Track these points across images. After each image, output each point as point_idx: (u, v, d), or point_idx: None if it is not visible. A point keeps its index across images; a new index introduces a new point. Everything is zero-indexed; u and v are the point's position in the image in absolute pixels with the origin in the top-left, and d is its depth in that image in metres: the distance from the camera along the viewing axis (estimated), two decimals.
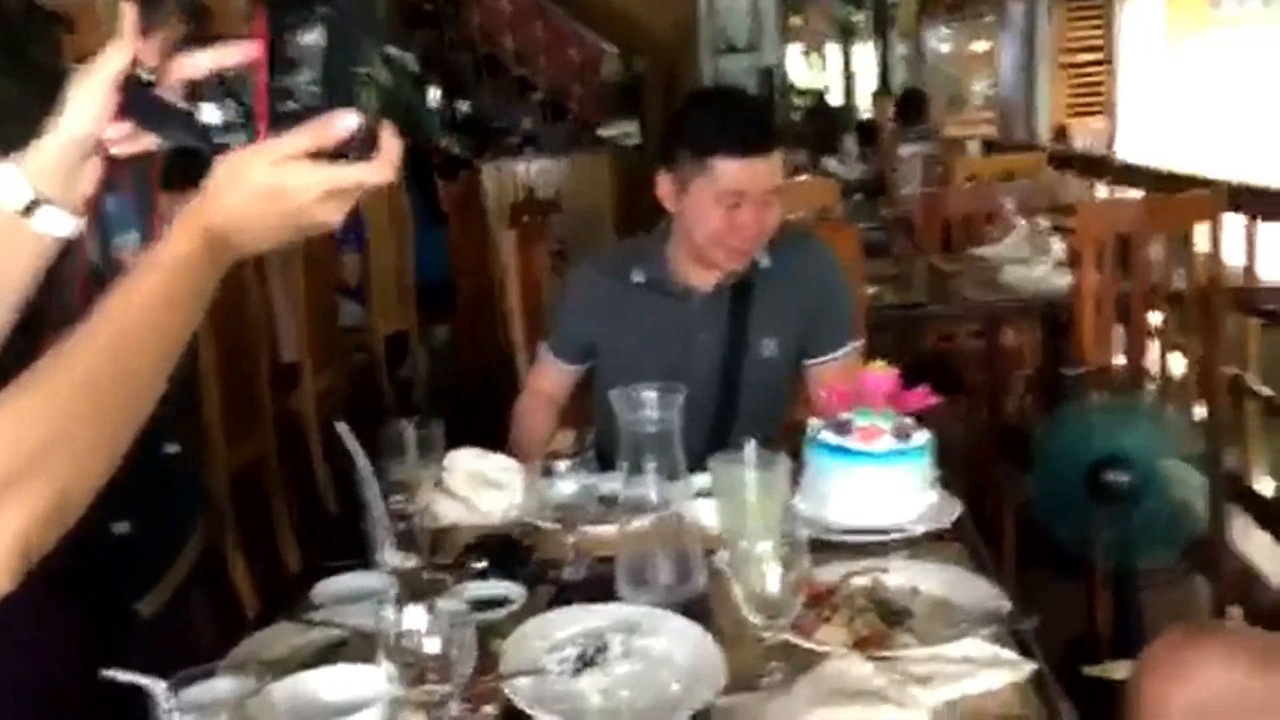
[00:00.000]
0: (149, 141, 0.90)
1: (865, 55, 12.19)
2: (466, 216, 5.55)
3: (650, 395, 1.35)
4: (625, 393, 1.36)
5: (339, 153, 0.82)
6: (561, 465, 1.49)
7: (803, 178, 5.55)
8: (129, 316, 0.81)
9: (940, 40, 9.98)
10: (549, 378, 2.11)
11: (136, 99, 0.88)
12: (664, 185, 1.93)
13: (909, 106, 7.11)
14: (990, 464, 3.35)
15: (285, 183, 0.81)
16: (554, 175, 7.83)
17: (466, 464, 1.68)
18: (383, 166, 0.84)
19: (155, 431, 1.67)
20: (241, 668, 1.07)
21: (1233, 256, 2.92)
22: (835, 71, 12.91)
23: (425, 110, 9.98)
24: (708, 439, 1.75)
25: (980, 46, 10.05)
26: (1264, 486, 3.29)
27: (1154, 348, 3.08)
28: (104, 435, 0.80)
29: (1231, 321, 3.21)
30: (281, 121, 0.81)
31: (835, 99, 12.36)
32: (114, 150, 0.90)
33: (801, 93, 12.13)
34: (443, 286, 5.26)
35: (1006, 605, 1.24)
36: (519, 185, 7.63)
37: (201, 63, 0.85)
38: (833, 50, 12.97)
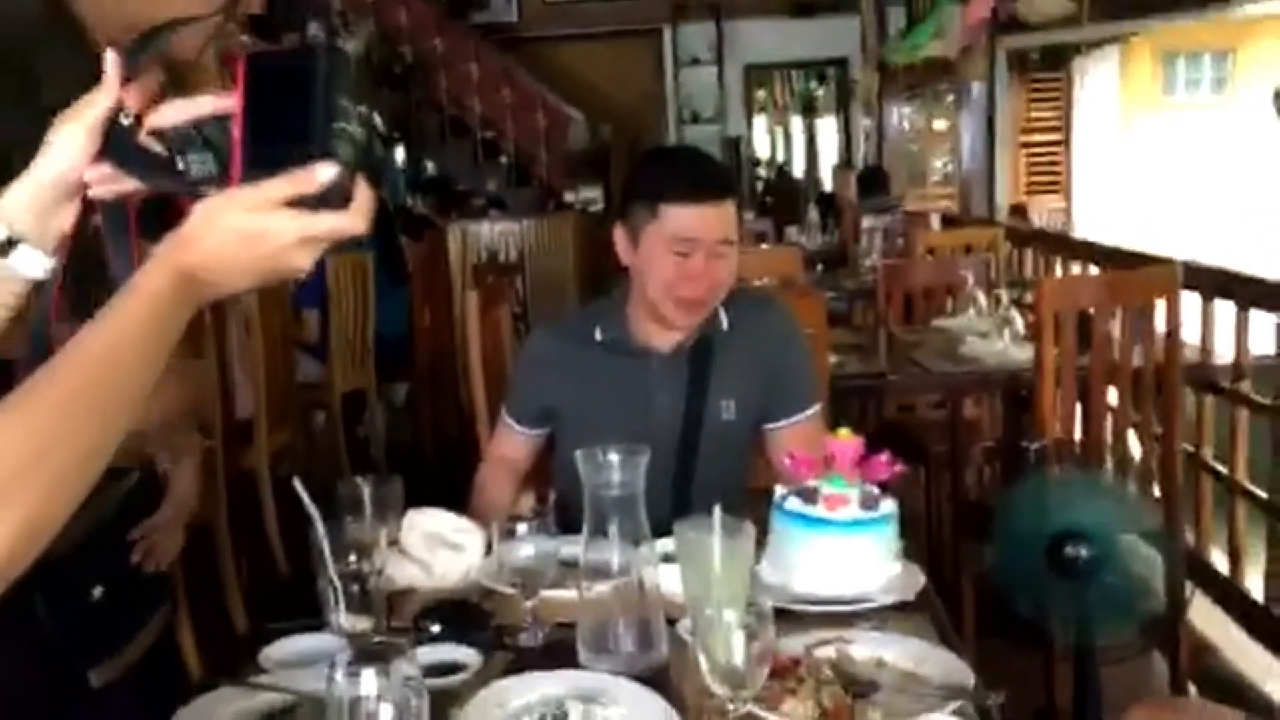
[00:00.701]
0: (128, 185, 0.91)
1: (828, 129, 12.41)
2: (429, 276, 5.54)
3: (614, 457, 1.33)
4: (590, 454, 1.34)
5: (315, 202, 0.84)
6: (521, 528, 1.45)
7: (765, 246, 5.60)
8: (103, 349, 0.82)
9: (901, 116, 10.17)
10: (509, 444, 2.09)
11: (118, 143, 0.89)
12: (619, 239, 1.93)
13: (870, 181, 7.21)
14: (950, 534, 3.35)
15: (263, 227, 0.83)
16: (518, 238, 7.85)
17: (424, 524, 1.65)
18: (356, 217, 0.85)
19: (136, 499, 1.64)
20: None
21: (1187, 334, 2.96)
22: (798, 144, 13.13)
23: (391, 170, 10.02)
24: (670, 501, 1.73)
25: (940, 124, 10.25)
26: (1220, 563, 3.30)
27: (1112, 422, 3.11)
28: (75, 465, 0.80)
29: (1189, 398, 3.25)
30: (255, 172, 0.83)
31: (798, 171, 12.55)
32: (92, 193, 0.91)
33: (765, 164, 12.31)
34: (401, 345, 5.23)
35: (972, 679, 1.22)
36: (482, 247, 7.64)
37: (181, 111, 0.87)
38: (796, 123, 13.20)
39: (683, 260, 1.83)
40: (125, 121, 0.89)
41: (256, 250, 0.84)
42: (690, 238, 1.83)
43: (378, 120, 9.70)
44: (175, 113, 0.87)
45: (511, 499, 1.96)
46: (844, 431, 1.53)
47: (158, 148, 0.88)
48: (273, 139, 0.83)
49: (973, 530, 3.17)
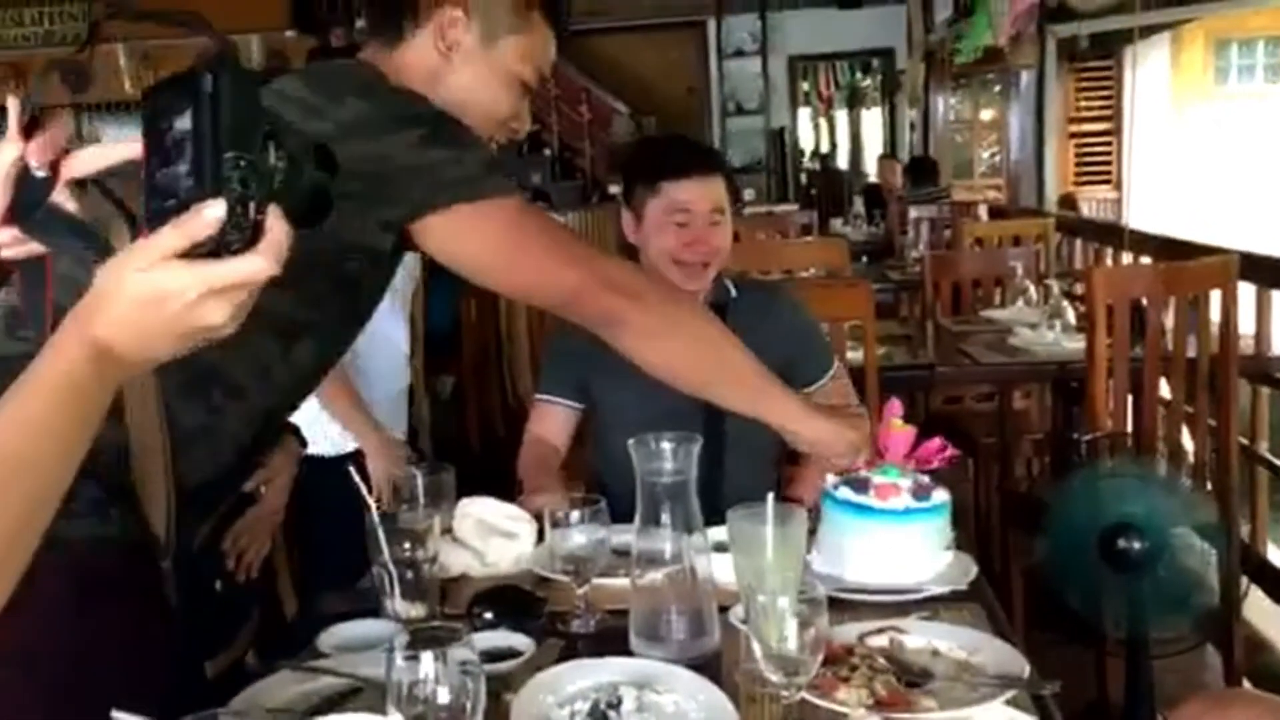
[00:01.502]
0: (39, 245, 0.85)
1: (873, 121, 12.32)
2: None
3: (666, 445, 1.34)
4: (642, 441, 1.35)
5: (211, 249, 0.74)
6: (574, 515, 1.47)
7: (809, 238, 5.57)
8: (14, 438, 0.75)
9: (948, 107, 10.07)
10: (547, 423, 2.19)
11: (27, 198, 0.83)
12: (626, 221, 2.14)
13: (918, 171, 7.16)
14: (999, 527, 3.32)
15: (159, 287, 0.75)
16: None
17: (477, 512, 1.66)
18: (266, 257, 0.76)
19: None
20: (245, 714, 1.05)
21: (1242, 325, 2.91)
22: (843, 136, 13.05)
23: None
24: (702, 473, 1.74)
25: (987, 114, 10.15)
26: (1275, 558, 3.25)
27: (1166, 415, 3.07)
28: None
29: (1243, 390, 3.21)
30: (160, 219, 0.74)
31: (843, 163, 12.47)
32: (4, 253, 0.86)
33: (810, 155, 12.25)
34: (449, 338, 5.26)
35: (1027, 669, 1.22)
36: None
37: (96, 160, 0.81)
38: (841, 115, 13.11)
39: (682, 229, 2.05)
40: (38, 174, 0.81)
41: (161, 313, 0.75)
42: (686, 208, 2.05)
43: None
44: (90, 161, 0.80)
45: (556, 480, 2.04)
46: (897, 423, 1.53)
47: (68, 202, 0.80)
48: (169, 181, 0.74)
49: (1022, 522, 3.14)
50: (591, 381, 2.14)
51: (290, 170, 0.79)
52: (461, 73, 1.46)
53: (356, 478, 1.50)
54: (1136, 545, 2.30)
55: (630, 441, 1.35)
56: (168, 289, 0.74)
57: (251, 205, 0.74)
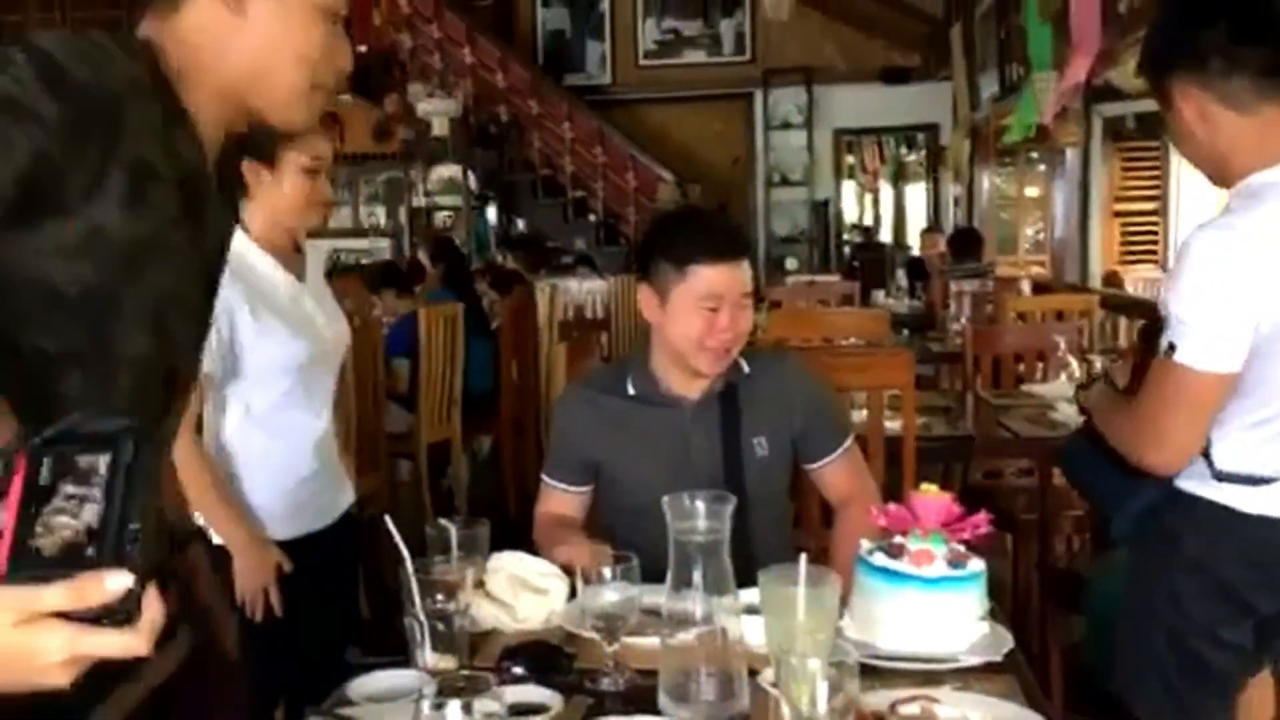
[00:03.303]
0: None
1: (917, 195, 12.36)
2: (517, 331, 5.62)
3: (700, 504, 1.34)
4: (676, 500, 1.35)
5: (95, 616, 0.72)
6: (606, 573, 1.47)
7: (850, 308, 5.58)
8: None
9: (992, 183, 10.10)
10: (557, 506, 2.11)
11: None
12: (645, 297, 2.05)
13: (962, 244, 7.15)
14: (1039, 605, 3.26)
15: (30, 645, 0.72)
16: (605, 295, 7.93)
17: (510, 567, 1.67)
18: (141, 637, 0.74)
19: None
20: None
21: None
22: (887, 209, 13.09)
23: (478, 227, 10.21)
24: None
25: (1032, 191, 10.14)
26: None
27: None
28: None
29: None
30: (26, 574, 0.71)
31: (886, 235, 12.50)
32: None
33: (853, 228, 12.29)
34: (488, 398, 5.29)
35: None
36: (570, 303, 7.73)
37: None
38: (886, 189, 13.17)
39: (711, 315, 1.97)
40: None
41: (18, 668, 0.72)
42: (718, 294, 1.96)
43: (471, 179, 9.87)
44: None
45: (580, 536, 1.99)
46: (930, 488, 1.52)
47: None
48: (53, 535, 0.72)
49: (1062, 600, 3.09)
50: (602, 461, 2.08)
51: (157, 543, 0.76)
52: (257, 22, 1.21)
53: (392, 527, 1.51)
54: None
55: (665, 499, 1.36)
56: (40, 646, 0.72)
57: (143, 580, 0.72)
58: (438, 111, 9.42)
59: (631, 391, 2.07)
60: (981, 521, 1.49)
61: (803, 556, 1.24)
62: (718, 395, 2.05)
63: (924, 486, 1.52)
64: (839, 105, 11.00)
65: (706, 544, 1.35)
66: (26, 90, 0.95)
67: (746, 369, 2.08)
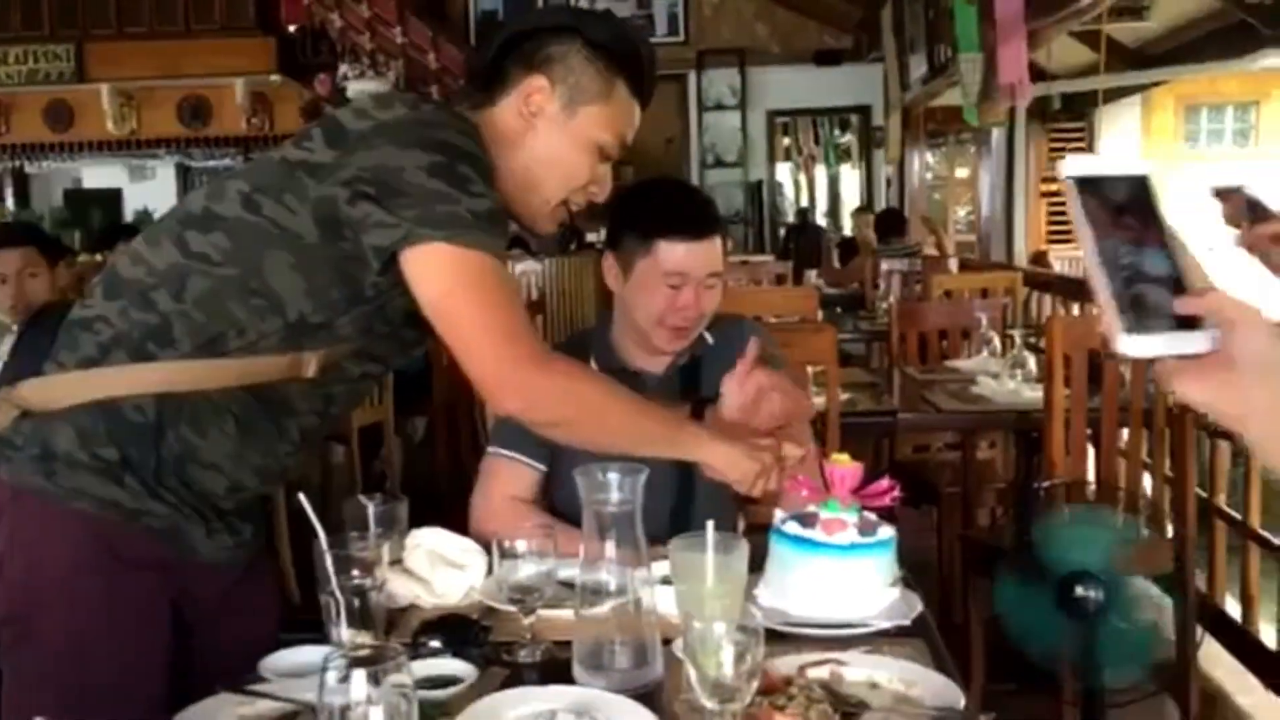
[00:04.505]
0: None
1: (852, 177, 12.46)
2: None
3: (613, 475, 1.35)
4: (588, 471, 1.36)
5: None
6: (520, 546, 1.47)
7: (781, 288, 5.63)
8: None
9: (924, 165, 10.22)
10: (514, 482, 1.98)
11: None
12: (609, 266, 1.99)
13: (888, 224, 7.24)
14: (962, 575, 3.33)
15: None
16: (540, 277, 7.90)
17: (428, 543, 1.67)
18: None
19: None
20: None
21: None
22: (822, 190, 13.19)
23: None
24: (670, 519, 1.75)
25: (963, 172, 10.29)
26: (1233, 610, 3.27)
27: (1125, 464, 3.10)
28: None
29: (1204, 443, 3.24)
30: None
31: (822, 217, 12.60)
32: None
33: (788, 209, 12.38)
34: (420, 380, 5.25)
35: (963, 700, 1.23)
36: (531, 285, 7.69)
37: None
38: (820, 170, 13.26)
39: (674, 292, 1.91)
40: None
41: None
42: (683, 271, 1.90)
43: None
44: None
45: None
46: (843, 457, 1.54)
47: None
48: None
49: (983, 571, 3.16)
50: None
51: None
52: (541, 138, 1.55)
53: (306, 504, 1.50)
54: (1092, 594, 2.32)
55: (576, 471, 1.37)
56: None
57: None
58: (368, 93, 9.29)
59: (593, 365, 1.99)
60: (890, 489, 1.52)
61: (709, 524, 1.25)
62: (679, 369, 2.01)
63: (835, 456, 1.55)
64: (773, 87, 11.03)
65: (619, 514, 1.35)
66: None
67: (710, 340, 2.02)
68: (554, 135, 1.55)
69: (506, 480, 1.98)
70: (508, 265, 1.51)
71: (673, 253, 1.90)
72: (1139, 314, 0.82)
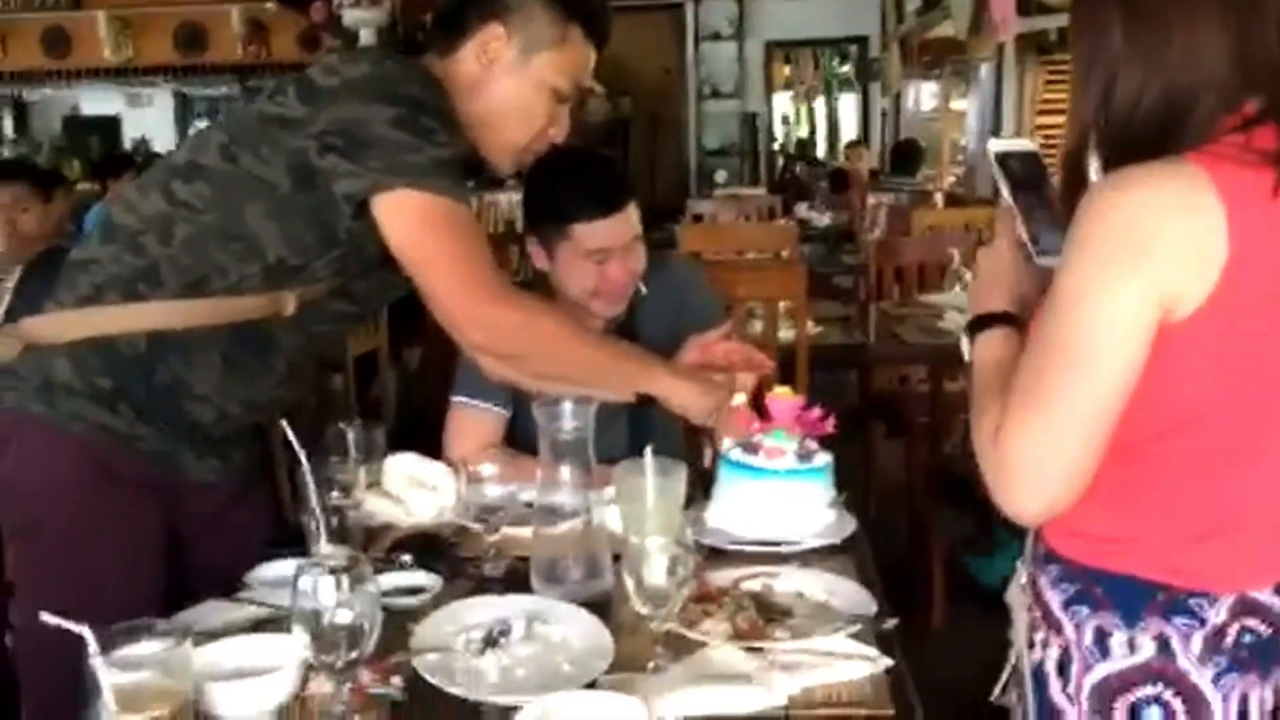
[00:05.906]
0: None
1: (849, 108, 12.42)
2: None
3: (567, 405, 1.48)
4: (546, 402, 1.48)
5: None
6: (486, 471, 1.61)
7: (759, 223, 5.70)
8: None
9: (920, 96, 10.20)
10: (481, 429, 2.04)
11: None
12: (533, 248, 2.04)
13: (903, 156, 7.24)
14: (930, 504, 3.47)
15: None
16: (509, 207, 7.93)
17: (404, 467, 1.80)
18: None
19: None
20: (169, 633, 1.17)
21: None
22: (820, 122, 13.15)
23: None
24: (629, 449, 1.86)
25: (959, 104, 10.26)
26: None
27: None
28: None
29: None
30: None
31: (821, 148, 12.59)
32: None
33: (785, 140, 12.36)
34: (413, 305, 5.34)
35: (874, 608, 1.36)
36: (499, 218, 7.75)
37: None
38: (819, 101, 13.21)
39: (600, 267, 1.98)
40: None
41: None
42: (604, 247, 1.97)
43: None
44: None
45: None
46: (784, 390, 1.67)
47: None
48: None
49: (948, 499, 3.30)
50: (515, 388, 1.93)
51: None
52: (499, 84, 1.65)
53: (288, 429, 1.63)
54: None
55: (535, 404, 1.49)
56: None
57: None
58: (364, 22, 9.26)
59: None
60: (825, 416, 1.64)
61: (648, 449, 1.38)
62: (621, 321, 2.08)
63: (778, 389, 1.67)
64: (770, 17, 10.97)
65: (574, 441, 1.48)
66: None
67: (644, 289, 2.08)
68: (511, 81, 1.64)
69: (473, 426, 2.05)
70: (472, 207, 1.61)
71: (591, 233, 1.95)
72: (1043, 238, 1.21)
